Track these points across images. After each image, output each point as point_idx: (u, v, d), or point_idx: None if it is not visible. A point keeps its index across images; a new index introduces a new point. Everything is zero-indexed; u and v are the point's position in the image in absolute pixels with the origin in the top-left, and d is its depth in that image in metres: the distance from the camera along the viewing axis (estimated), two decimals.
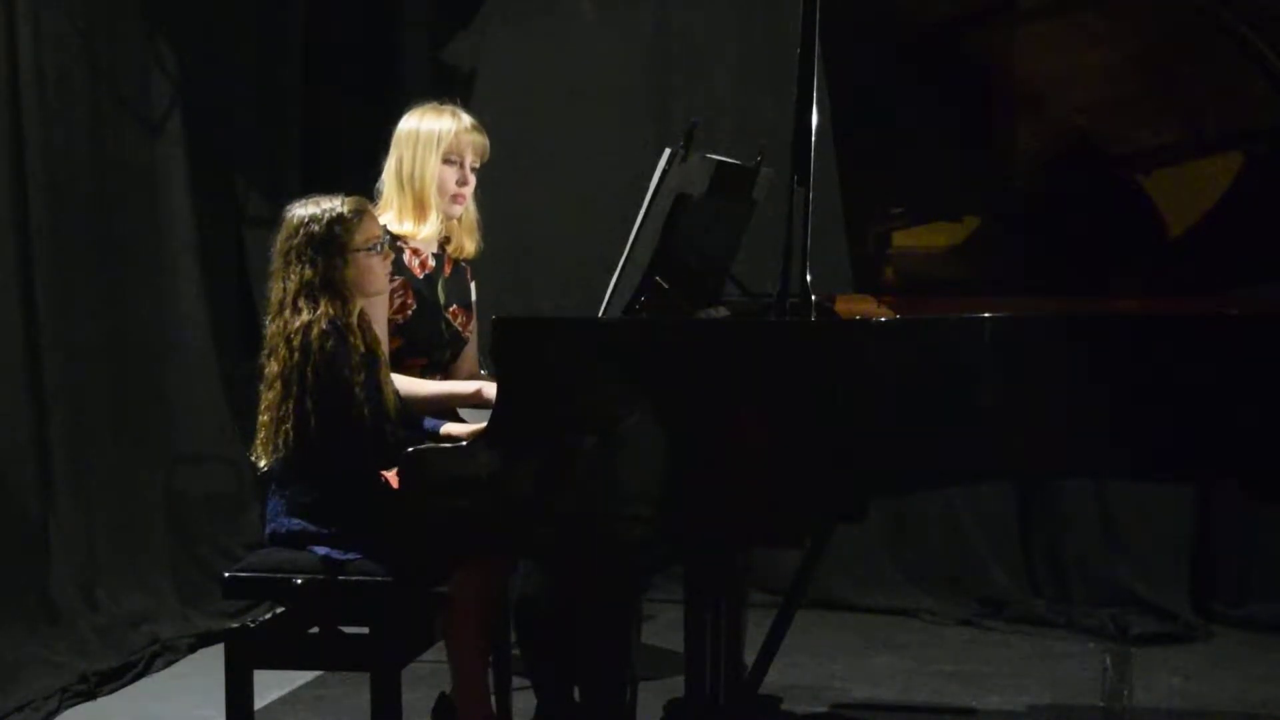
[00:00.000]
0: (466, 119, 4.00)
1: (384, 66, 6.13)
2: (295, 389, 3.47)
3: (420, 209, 3.97)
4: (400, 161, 3.97)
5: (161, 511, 5.45)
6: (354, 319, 3.57)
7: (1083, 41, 3.94)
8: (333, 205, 3.57)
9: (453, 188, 3.98)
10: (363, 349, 3.56)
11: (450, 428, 3.68)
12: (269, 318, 3.57)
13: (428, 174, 3.95)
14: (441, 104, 4.04)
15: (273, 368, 3.52)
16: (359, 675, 3.76)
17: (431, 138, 3.95)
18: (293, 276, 3.53)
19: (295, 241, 3.54)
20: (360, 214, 3.58)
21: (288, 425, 3.48)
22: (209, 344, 5.68)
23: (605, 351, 3.27)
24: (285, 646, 3.59)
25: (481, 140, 4.01)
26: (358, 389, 3.47)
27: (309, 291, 3.51)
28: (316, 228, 3.54)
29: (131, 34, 5.39)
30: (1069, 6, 3.94)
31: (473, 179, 4.02)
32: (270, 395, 3.52)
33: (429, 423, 3.70)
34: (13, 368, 4.82)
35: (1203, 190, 3.99)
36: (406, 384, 3.84)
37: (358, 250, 3.55)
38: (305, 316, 3.49)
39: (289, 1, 5.97)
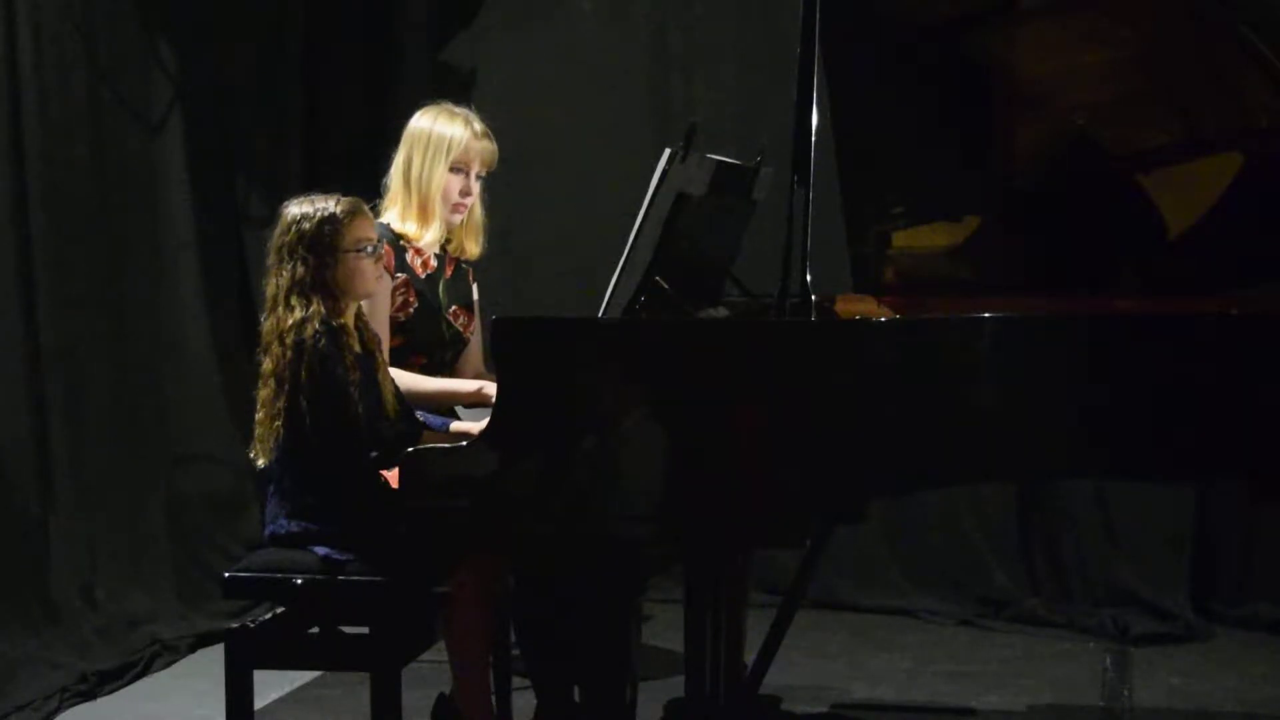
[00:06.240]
0: (478, 126, 4.00)
1: (384, 66, 6.13)
2: (288, 387, 3.48)
3: (423, 214, 3.97)
4: (409, 162, 3.97)
5: (161, 511, 5.44)
6: (348, 319, 3.58)
7: (1083, 41, 3.93)
8: (326, 205, 3.57)
9: (455, 197, 3.99)
10: (357, 348, 3.57)
11: (460, 425, 3.68)
12: (264, 314, 3.58)
13: (434, 181, 3.95)
14: (456, 107, 4.03)
15: (267, 365, 3.53)
16: (359, 675, 3.76)
17: (442, 144, 3.95)
18: (285, 273, 3.54)
19: (288, 238, 3.55)
20: (352, 215, 3.58)
21: (280, 423, 3.49)
22: (209, 344, 5.68)
23: (605, 351, 3.27)
24: (285, 646, 3.59)
25: (491, 150, 4.02)
26: (352, 389, 3.48)
27: (301, 289, 3.52)
28: (308, 225, 3.54)
29: (131, 34, 5.39)
30: (1069, 6, 3.94)
31: (476, 187, 4.02)
32: (265, 392, 3.53)
33: (435, 420, 3.70)
34: (13, 368, 4.82)
35: (1203, 190, 3.99)
36: (408, 380, 3.84)
37: (347, 251, 3.55)
38: (299, 314, 3.50)
39: (289, 1, 5.97)
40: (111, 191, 5.29)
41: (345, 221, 3.56)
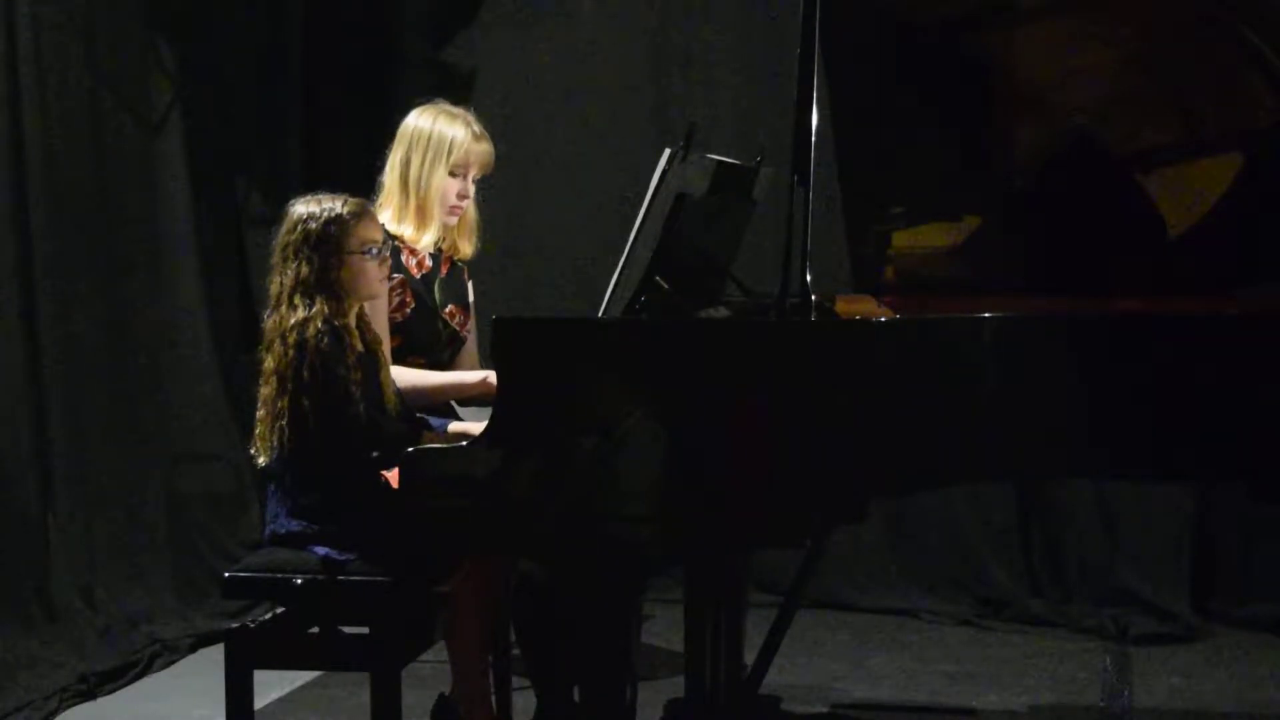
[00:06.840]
0: (477, 128, 3.99)
1: (384, 66, 6.13)
2: (291, 386, 3.48)
3: (421, 217, 3.96)
4: (407, 163, 3.95)
5: (161, 511, 5.44)
6: (350, 319, 3.58)
7: (1083, 41, 3.94)
8: (332, 205, 3.57)
9: (453, 200, 3.98)
10: (360, 348, 3.57)
11: (459, 426, 3.68)
12: (267, 311, 3.58)
13: (433, 185, 3.94)
14: (453, 106, 4.03)
15: (269, 363, 3.53)
16: (359, 675, 3.76)
17: (442, 147, 3.93)
18: (289, 272, 3.54)
19: (293, 237, 3.56)
20: (359, 216, 3.58)
21: (283, 422, 3.49)
22: (209, 344, 5.68)
23: (605, 351, 3.27)
24: (285, 646, 3.59)
25: (490, 152, 4.01)
26: (354, 388, 3.48)
27: (305, 289, 3.52)
28: (313, 225, 3.55)
29: (131, 34, 5.39)
30: (1069, 6, 3.94)
31: (472, 189, 4.02)
32: (266, 390, 3.53)
33: (434, 421, 3.70)
34: (13, 368, 4.82)
35: (1203, 190, 3.99)
36: (412, 376, 3.84)
37: (352, 253, 3.56)
38: (301, 314, 3.50)
39: (289, 2, 5.97)
40: (111, 191, 5.29)
41: (351, 223, 3.56)
